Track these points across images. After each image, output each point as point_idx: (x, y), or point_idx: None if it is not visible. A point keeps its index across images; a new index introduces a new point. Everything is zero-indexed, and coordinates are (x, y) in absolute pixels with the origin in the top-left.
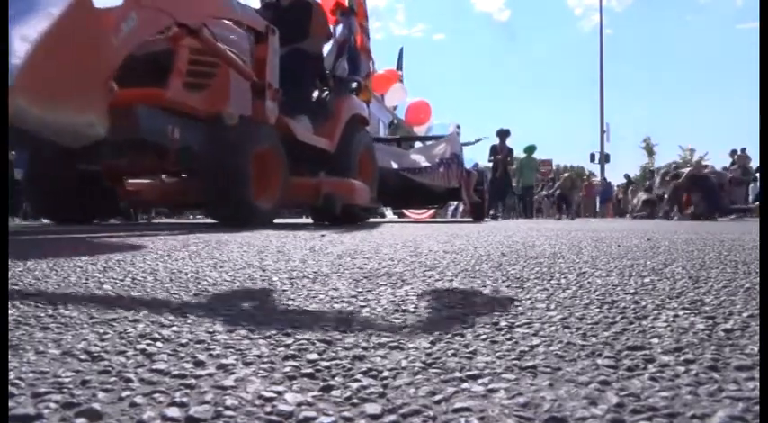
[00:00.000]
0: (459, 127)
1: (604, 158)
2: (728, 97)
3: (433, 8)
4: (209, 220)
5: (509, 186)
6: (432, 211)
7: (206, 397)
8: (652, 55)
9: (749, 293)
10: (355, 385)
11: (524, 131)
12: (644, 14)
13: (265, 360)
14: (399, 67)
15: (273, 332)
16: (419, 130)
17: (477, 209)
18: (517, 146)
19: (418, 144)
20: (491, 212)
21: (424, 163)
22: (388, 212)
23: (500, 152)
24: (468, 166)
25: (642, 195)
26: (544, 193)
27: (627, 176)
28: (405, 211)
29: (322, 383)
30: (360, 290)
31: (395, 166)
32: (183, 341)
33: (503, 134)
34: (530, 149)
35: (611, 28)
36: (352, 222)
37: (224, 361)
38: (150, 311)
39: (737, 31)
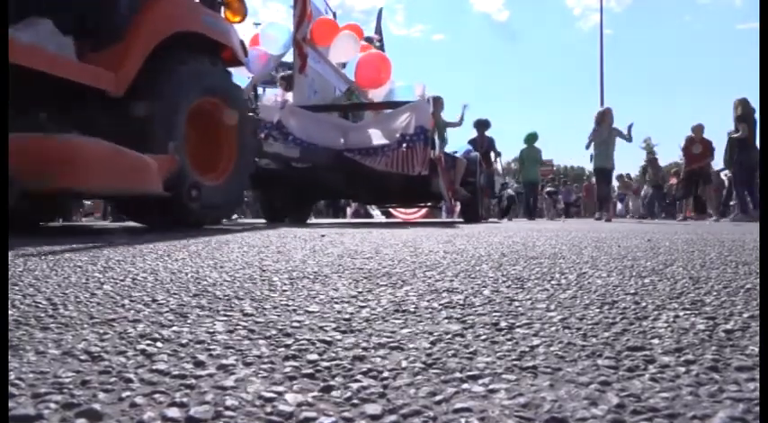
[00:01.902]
0: (437, 98)
1: None
2: (728, 97)
3: (432, 8)
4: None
5: (492, 184)
6: (423, 211)
7: (206, 397)
8: (652, 55)
9: (750, 294)
10: (355, 386)
11: (524, 132)
12: (643, 14)
13: (265, 360)
14: (378, 30)
15: (273, 332)
16: (376, 95)
17: (470, 207)
18: (517, 145)
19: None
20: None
21: (377, 141)
22: (375, 212)
23: (480, 146)
24: (458, 152)
25: (648, 190)
26: (548, 189)
27: (627, 176)
28: (392, 210)
29: (322, 384)
30: (360, 290)
31: (342, 144)
32: (184, 341)
33: (480, 125)
34: (531, 138)
35: (611, 28)
36: (194, 226)
37: (224, 361)
38: (150, 312)
39: (737, 32)
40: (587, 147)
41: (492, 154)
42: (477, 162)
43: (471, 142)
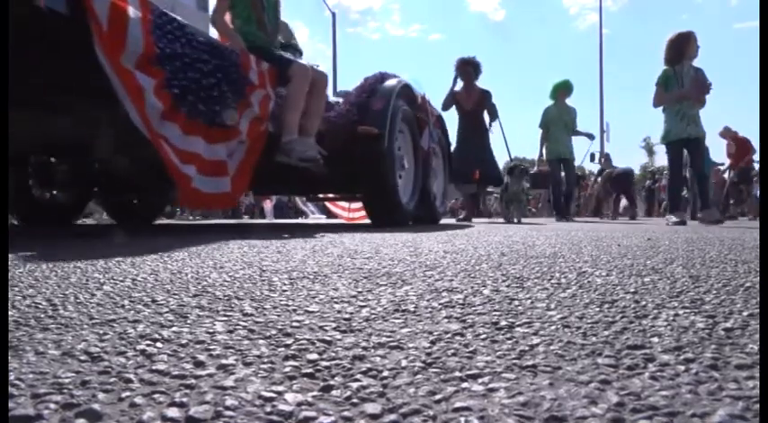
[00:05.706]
0: None
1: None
2: (727, 96)
3: (429, 8)
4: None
5: (487, 161)
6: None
7: (206, 397)
8: (650, 54)
9: (749, 292)
10: (355, 385)
11: (522, 132)
12: (640, 13)
13: (265, 360)
14: None
15: (273, 332)
16: None
17: (379, 195)
18: (514, 146)
19: None
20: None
21: None
22: (308, 207)
23: (466, 99)
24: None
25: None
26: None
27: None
28: (328, 205)
29: (322, 383)
30: (360, 290)
31: None
32: (183, 342)
33: (465, 66)
34: (559, 89)
35: (608, 27)
36: None
37: (224, 361)
38: (150, 312)
39: (736, 31)
40: (656, 105)
41: (486, 116)
42: (396, 94)
43: (450, 94)
